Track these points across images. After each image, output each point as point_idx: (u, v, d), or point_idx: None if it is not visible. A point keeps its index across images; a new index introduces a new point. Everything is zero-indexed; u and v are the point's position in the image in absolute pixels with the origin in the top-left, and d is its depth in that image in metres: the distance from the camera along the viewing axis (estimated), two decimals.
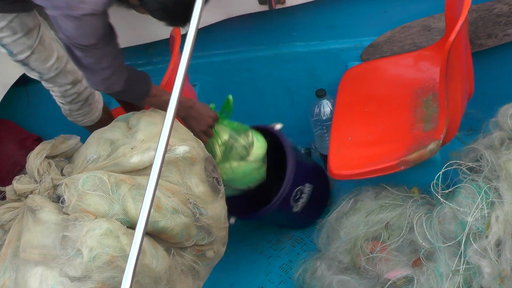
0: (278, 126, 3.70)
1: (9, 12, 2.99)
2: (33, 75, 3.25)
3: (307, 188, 3.75)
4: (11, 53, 3.11)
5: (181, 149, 2.89)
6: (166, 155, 2.81)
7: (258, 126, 3.63)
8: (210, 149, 3.22)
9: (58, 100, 3.40)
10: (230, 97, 3.37)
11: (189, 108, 3.17)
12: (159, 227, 2.71)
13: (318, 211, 3.92)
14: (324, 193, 4.01)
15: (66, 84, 3.29)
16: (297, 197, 3.71)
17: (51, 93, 3.37)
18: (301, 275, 3.44)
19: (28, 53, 3.11)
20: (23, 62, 3.16)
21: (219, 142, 3.28)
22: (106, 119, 3.51)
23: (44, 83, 3.31)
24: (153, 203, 2.64)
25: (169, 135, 2.26)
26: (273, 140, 3.64)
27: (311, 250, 3.61)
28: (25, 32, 3.06)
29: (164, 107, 2.97)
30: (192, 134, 3.05)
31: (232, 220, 3.62)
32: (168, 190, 2.79)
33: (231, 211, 3.55)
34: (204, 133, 3.22)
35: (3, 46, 3.08)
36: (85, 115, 3.45)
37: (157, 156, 2.23)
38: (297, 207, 3.73)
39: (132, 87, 2.96)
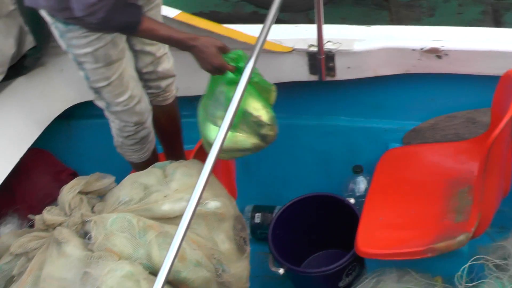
0: (351, 201, 3.79)
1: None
2: (99, 104, 3.25)
3: (358, 268, 3.66)
4: (88, 79, 3.11)
5: (212, 204, 2.90)
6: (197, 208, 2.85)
7: (330, 194, 3.85)
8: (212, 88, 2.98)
9: (114, 131, 3.39)
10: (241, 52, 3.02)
11: (190, 47, 2.92)
12: (181, 278, 2.71)
13: None
14: None
15: (129, 122, 3.28)
16: (350, 272, 3.62)
17: (110, 123, 3.36)
18: None
19: (104, 83, 3.10)
20: (96, 90, 3.15)
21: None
22: (152, 161, 3.48)
23: (107, 113, 3.30)
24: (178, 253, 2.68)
25: (203, 188, 2.28)
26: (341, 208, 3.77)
27: None
28: (107, 64, 3.04)
29: (160, 41, 3.07)
30: (226, 191, 3.06)
31: (281, 271, 3.58)
32: (194, 242, 2.80)
33: (283, 258, 3.57)
34: (210, 71, 2.98)
35: (83, 69, 3.07)
36: (135, 152, 3.44)
37: (188, 208, 2.25)
38: (344, 283, 3.62)
39: (117, 16, 2.77)
